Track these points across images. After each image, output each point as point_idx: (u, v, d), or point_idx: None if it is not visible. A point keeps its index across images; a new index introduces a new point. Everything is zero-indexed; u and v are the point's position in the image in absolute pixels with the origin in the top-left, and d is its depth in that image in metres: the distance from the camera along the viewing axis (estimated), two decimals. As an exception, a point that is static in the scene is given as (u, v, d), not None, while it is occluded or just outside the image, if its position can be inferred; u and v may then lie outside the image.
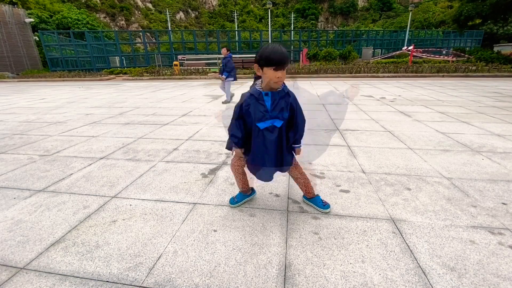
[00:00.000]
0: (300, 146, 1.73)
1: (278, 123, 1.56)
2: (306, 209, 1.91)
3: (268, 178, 1.79)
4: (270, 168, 1.69)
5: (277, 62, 1.41)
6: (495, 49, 24.13)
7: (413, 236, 1.59)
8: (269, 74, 1.46)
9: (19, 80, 17.09)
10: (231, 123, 1.70)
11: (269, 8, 23.03)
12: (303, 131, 1.68)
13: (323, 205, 1.87)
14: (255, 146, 1.63)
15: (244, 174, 1.87)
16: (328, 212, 1.84)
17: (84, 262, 1.44)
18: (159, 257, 1.46)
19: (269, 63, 1.43)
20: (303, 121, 1.66)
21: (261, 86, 1.56)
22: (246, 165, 1.80)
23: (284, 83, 1.57)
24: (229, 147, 1.76)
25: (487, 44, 31.42)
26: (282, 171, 1.78)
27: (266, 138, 1.58)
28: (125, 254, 1.49)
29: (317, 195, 1.93)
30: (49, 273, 1.37)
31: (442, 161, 2.73)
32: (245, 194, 1.98)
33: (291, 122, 1.64)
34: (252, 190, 2.03)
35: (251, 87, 1.64)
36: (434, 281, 1.27)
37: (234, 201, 1.94)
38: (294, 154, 1.75)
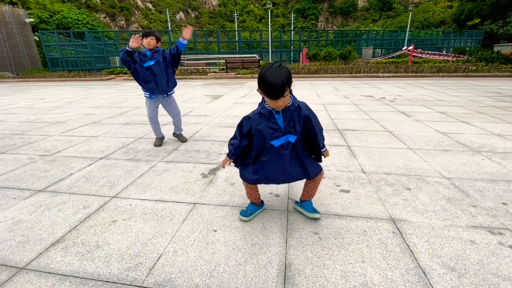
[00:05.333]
0: (326, 148, 1.71)
1: (292, 138, 1.53)
2: (306, 209, 1.90)
3: (279, 182, 1.70)
4: (282, 176, 1.64)
5: (270, 94, 1.34)
6: (495, 49, 24.14)
7: (413, 236, 1.59)
8: (269, 102, 1.43)
9: (19, 80, 17.09)
10: (234, 134, 1.66)
11: (269, 8, 23.03)
12: (323, 135, 1.68)
13: (314, 210, 1.78)
14: (270, 163, 1.58)
15: (255, 188, 1.79)
16: (318, 217, 1.77)
17: (84, 262, 1.44)
18: (159, 257, 1.46)
19: (264, 93, 1.38)
20: (321, 127, 1.64)
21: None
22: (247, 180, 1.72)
23: (292, 95, 1.50)
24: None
25: (487, 44, 31.44)
26: (309, 178, 1.70)
27: (281, 153, 1.55)
28: (125, 254, 1.49)
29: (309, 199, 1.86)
30: (49, 273, 1.37)
31: (442, 161, 2.73)
32: (257, 206, 1.86)
33: (308, 134, 1.58)
34: (262, 203, 1.92)
35: (259, 104, 1.56)
36: (434, 281, 1.27)
37: (247, 214, 1.79)
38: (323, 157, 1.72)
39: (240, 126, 1.61)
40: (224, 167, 1.67)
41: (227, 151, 1.66)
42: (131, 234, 1.66)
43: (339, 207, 1.92)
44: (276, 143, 1.53)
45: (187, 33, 2.93)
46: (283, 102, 1.39)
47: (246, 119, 1.58)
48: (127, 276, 1.34)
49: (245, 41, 30.64)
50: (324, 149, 1.71)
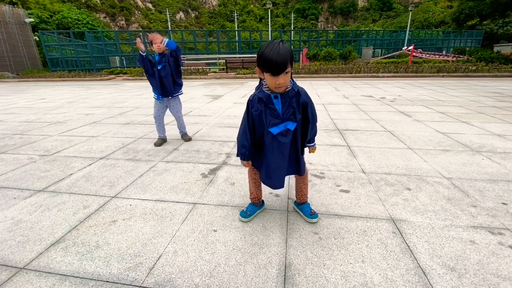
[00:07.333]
0: (314, 144, 1.66)
1: (292, 126, 1.45)
2: (306, 209, 1.90)
3: (279, 184, 1.61)
4: (283, 173, 1.56)
5: (272, 68, 1.23)
6: (495, 49, 24.15)
7: (413, 236, 1.59)
8: (268, 80, 1.32)
9: (19, 80, 17.08)
10: (239, 130, 1.58)
11: (269, 8, 23.05)
12: (316, 128, 1.61)
13: (310, 214, 1.75)
14: (269, 153, 1.50)
15: (259, 184, 1.77)
16: (316, 221, 1.74)
17: (84, 262, 1.44)
18: (159, 257, 1.46)
19: (265, 68, 1.26)
20: (316, 118, 1.57)
21: (268, 87, 1.40)
22: (258, 176, 1.70)
23: (292, 79, 1.42)
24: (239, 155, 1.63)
25: (487, 44, 31.43)
26: (298, 174, 1.68)
27: (281, 142, 1.46)
28: (125, 254, 1.49)
29: (307, 202, 1.84)
30: (49, 273, 1.37)
31: (442, 161, 2.73)
32: (257, 206, 1.84)
33: (304, 121, 1.51)
34: (262, 203, 1.90)
35: (257, 88, 1.49)
36: (434, 281, 1.27)
37: (247, 215, 1.77)
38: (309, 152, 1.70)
39: (243, 120, 1.54)
40: (246, 166, 1.65)
41: (239, 153, 1.58)
42: (131, 234, 1.66)
43: (339, 207, 1.92)
44: (274, 130, 1.44)
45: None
46: (283, 79, 1.29)
47: (245, 113, 1.52)
48: (127, 276, 1.34)
49: (245, 41, 30.64)
50: (313, 144, 1.64)
